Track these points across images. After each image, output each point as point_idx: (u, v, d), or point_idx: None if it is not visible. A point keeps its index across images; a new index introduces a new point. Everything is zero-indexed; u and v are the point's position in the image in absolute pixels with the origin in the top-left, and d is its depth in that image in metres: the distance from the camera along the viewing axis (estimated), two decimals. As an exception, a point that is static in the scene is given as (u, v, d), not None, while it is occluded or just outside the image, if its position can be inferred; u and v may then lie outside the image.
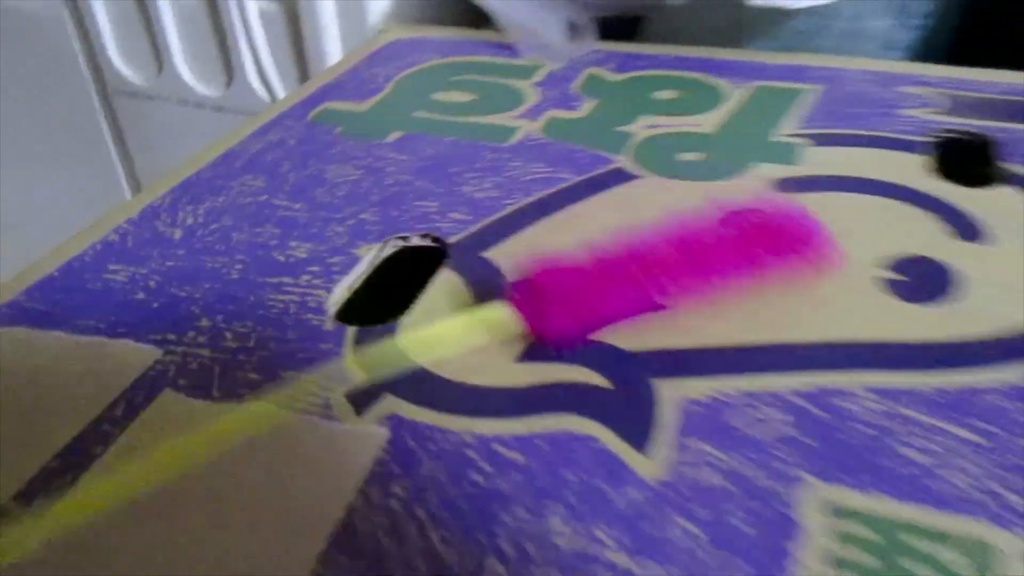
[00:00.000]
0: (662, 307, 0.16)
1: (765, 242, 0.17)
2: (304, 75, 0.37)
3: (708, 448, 0.14)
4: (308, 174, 0.23)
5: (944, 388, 0.15)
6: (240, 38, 0.37)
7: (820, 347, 0.16)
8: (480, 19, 0.32)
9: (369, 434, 0.14)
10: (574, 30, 0.29)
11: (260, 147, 0.25)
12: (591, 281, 0.16)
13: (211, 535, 0.13)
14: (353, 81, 0.29)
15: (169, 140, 0.43)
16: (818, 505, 0.13)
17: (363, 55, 0.31)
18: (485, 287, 0.18)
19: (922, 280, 0.17)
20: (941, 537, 0.12)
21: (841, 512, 0.13)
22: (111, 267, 0.19)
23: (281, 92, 0.38)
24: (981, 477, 0.13)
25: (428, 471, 0.14)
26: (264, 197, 0.22)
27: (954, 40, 0.31)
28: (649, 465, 0.14)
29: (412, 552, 0.12)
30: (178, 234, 0.21)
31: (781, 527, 0.12)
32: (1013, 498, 0.13)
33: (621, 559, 0.12)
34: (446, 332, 0.16)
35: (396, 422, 0.15)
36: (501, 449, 0.14)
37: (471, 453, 0.14)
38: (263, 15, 0.36)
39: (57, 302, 0.18)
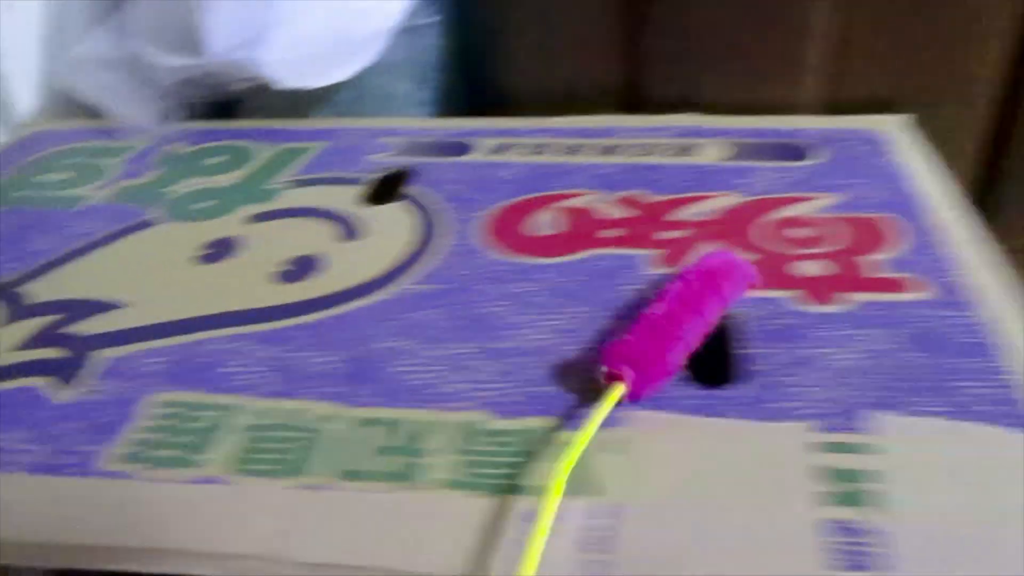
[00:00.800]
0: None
1: (720, 280, 0.24)
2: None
3: (116, 383, 0.23)
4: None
5: (284, 327, 0.25)
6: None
7: (212, 316, 0.26)
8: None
9: None
10: (165, 115, 0.39)
11: None
12: (653, 345, 0.21)
13: None
14: (-15, 171, 0.37)
15: None
16: (159, 403, 0.22)
17: (4, 148, 0.39)
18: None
19: (302, 268, 0.28)
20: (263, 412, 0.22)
21: (172, 404, 0.22)
22: None
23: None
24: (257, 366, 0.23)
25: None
26: None
27: (463, 93, 0.43)
28: (68, 395, 0.23)
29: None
30: None
31: (123, 415, 0.22)
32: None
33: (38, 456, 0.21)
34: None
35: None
36: (-15, 403, 0.23)
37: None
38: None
39: None
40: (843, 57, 0.36)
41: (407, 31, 0.40)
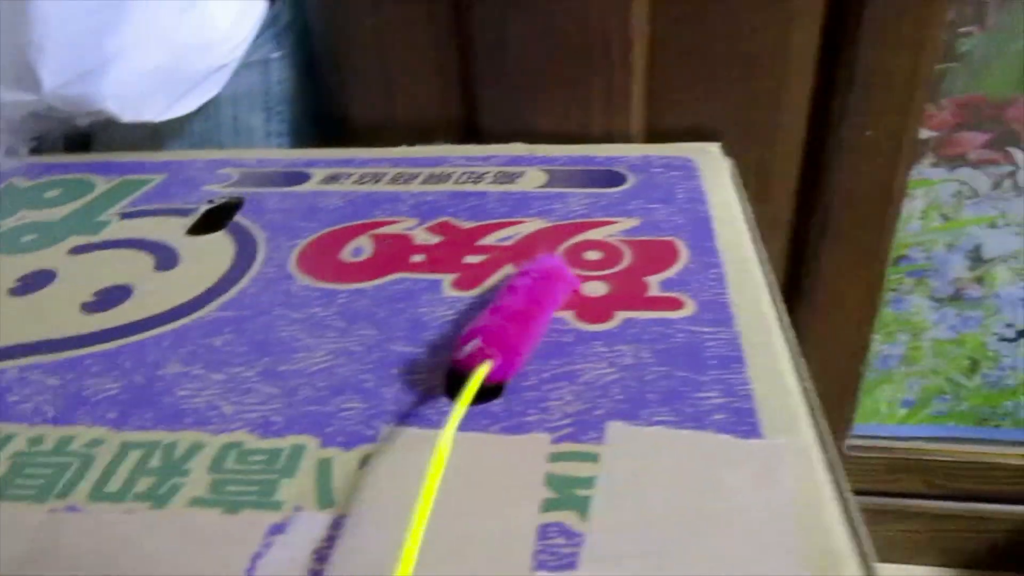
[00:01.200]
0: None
1: (555, 282, 0.26)
2: None
3: None
4: None
5: (77, 356, 0.26)
6: None
7: (9, 347, 0.26)
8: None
9: None
10: (12, 150, 0.39)
11: None
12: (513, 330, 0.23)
13: None
14: None
15: None
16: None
17: None
18: None
19: (109, 298, 0.29)
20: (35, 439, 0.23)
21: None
22: None
23: None
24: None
25: None
26: None
27: (313, 125, 0.44)
28: None
29: None
30: None
31: None
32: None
33: None
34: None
35: None
36: None
37: None
38: None
39: None
40: (662, 88, 0.38)
41: (253, 65, 0.41)
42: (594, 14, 0.36)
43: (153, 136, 0.43)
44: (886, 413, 0.45)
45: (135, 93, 0.37)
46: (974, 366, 0.43)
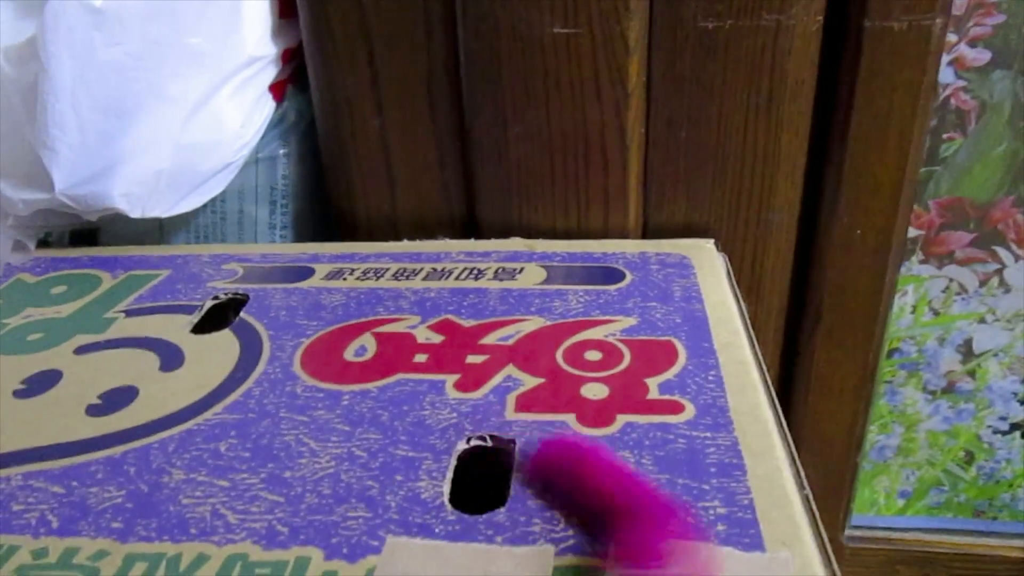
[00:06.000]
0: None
1: None
2: None
3: None
4: None
5: (81, 463, 0.26)
6: None
7: (12, 454, 0.26)
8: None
9: None
10: (18, 245, 0.40)
11: None
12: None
13: None
14: None
15: None
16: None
17: None
18: None
19: (115, 400, 0.29)
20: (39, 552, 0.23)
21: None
22: None
23: None
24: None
25: None
26: None
27: (317, 219, 0.45)
28: None
29: None
30: None
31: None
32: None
33: None
34: None
35: None
36: None
37: None
38: None
39: None
40: (656, 186, 0.39)
41: (260, 161, 0.42)
42: (591, 116, 0.37)
43: (160, 228, 0.43)
44: (883, 504, 0.45)
45: (145, 192, 0.38)
46: (970, 458, 0.43)
